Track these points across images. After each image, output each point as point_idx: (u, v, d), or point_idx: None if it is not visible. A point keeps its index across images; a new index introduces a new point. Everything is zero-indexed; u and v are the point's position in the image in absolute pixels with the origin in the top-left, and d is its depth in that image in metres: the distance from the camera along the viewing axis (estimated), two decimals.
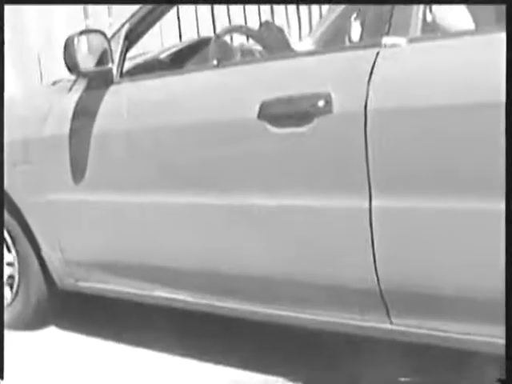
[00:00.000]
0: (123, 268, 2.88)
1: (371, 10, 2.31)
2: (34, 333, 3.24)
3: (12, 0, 2.65)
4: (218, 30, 3.08)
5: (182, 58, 3.08)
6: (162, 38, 5.42)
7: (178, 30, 5.76)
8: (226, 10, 6.01)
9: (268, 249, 2.43)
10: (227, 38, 3.10)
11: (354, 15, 2.79)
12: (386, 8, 2.18)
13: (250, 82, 2.46)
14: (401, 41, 2.11)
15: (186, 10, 5.68)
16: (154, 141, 2.66)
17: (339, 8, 3.52)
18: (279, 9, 6.45)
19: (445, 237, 2.03)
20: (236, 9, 6.04)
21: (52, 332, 3.28)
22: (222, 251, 2.56)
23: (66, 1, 2.50)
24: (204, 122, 2.50)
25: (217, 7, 5.92)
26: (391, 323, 2.22)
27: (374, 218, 2.13)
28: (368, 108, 2.10)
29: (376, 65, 2.12)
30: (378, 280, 2.17)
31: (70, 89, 2.94)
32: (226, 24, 5.55)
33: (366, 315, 2.28)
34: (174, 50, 3.19)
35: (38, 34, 5.55)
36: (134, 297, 2.92)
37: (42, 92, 3.42)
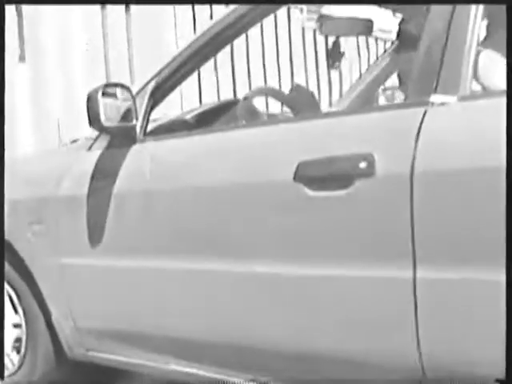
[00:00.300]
0: (137, 338, 2.69)
1: (414, 67, 2.17)
2: None
3: (12, 0, 2.53)
4: (247, 92, 2.96)
5: (208, 120, 2.94)
6: (182, 102, 5.34)
7: (198, 93, 5.69)
8: (247, 73, 5.95)
9: (297, 323, 2.25)
10: (255, 101, 2.99)
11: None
12: (433, 65, 2.06)
13: (284, 142, 2.31)
14: (451, 99, 1.98)
15: (206, 72, 5.61)
16: (177, 203, 2.51)
17: (370, 75, 3.43)
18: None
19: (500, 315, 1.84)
20: (256, 71, 5.99)
21: None
22: (248, 325, 2.37)
23: (65, 1, 2.38)
24: (233, 183, 2.35)
25: (238, 69, 5.87)
26: None
27: (418, 290, 1.96)
28: (415, 170, 1.95)
29: (424, 124, 1.98)
30: (420, 359, 1.99)
31: (90, 147, 2.81)
32: (247, 87, 5.48)
33: None
34: (199, 111, 3.07)
35: (57, 98, 5.52)
36: (149, 370, 2.73)
37: (59, 150, 3.28)
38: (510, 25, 1.75)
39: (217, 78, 5.88)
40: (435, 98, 2.00)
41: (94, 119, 2.54)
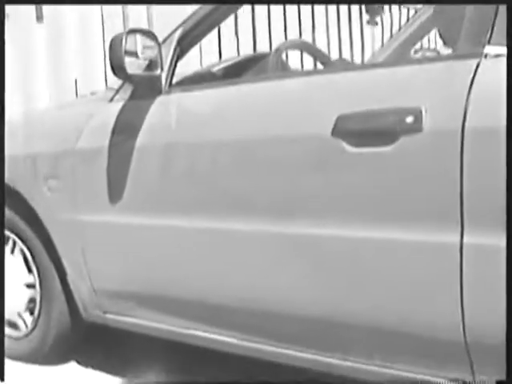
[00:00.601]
0: (155, 301, 2.55)
1: (466, 17, 2.01)
2: (52, 368, 2.91)
3: (12, 0, 2.41)
4: (279, 44, 2.79)
5: (237, 72, 2.77)
6: (201, 58, 5.18)
7: (218, 48, 5.51)
8: (268, 32, 5.77)
9: (332, 288, 2.10)
10: (287, 54, 2.83)
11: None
12: (487, 14, 1.89)
13: (321, 93, 2.15)
14: (505, 50, 1.80)
15: (227, 27, 5.43)
16: (202, 158, 2.34)
17: (405, 33, 3.27)
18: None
19: None
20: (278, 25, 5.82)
21: (72, 368, 2.92)
22: (274, 288, 2.22)
23: (67, 1, 2.25)
24: (264, 138, 2.18)
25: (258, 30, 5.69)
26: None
27: (464, 258, 1.81)
28: (466, 126, 1.79)
29: (476, 77, 1.81)
30: (464, 330, 1.85)
31: (112, 98, 2.64)
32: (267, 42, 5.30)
33: (444, 371, 1.95)
34: (227, 63, 2.90)
35: (75, 58, 5.41)
36: (166, 334, 2.59)
37: (79, 102, 3.11)
38: (510, 25, 1.61)
39: (237, 36, 5.69)
40: (489, 50, 1.84)
41: (117, 67, 2.37)
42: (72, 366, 2.68)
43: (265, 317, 2.27)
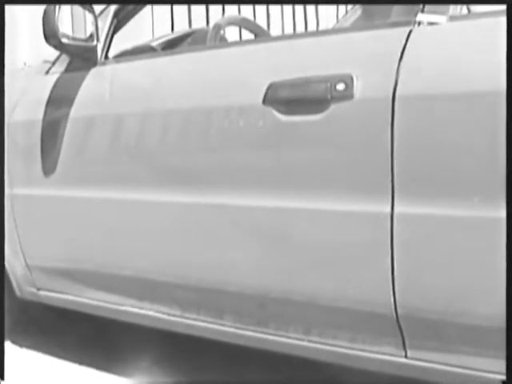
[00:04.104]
0: (89, 277, 2.50)
1: None
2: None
3: (12, 0, 2.37)
4: (218, 20, 2.75)
5: (175, 46, 2.74)
6: (153, 35, 5.12)
7: (171, 26, 5.45)
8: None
9: (264, 261, 2.06)
10: (226, 30, 2.79)
11: None
12: None
13: (254, 62, 2.11)
14: (440, 19, 1.79)
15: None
16: (134, 128, 2.29)
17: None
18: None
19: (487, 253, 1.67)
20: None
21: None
22: (209, 262, 2.17)
23: (66, 1, 2.22)
24: (198, 107, 2.14)
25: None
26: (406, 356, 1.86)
27: (395, 228, 1.78)
28: (397, 94, 1.75)
29: (408, 45, 1.79)
30: (394, 302, 1.82)
31: (48, 71, 2.59)
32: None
33: (376, 345, 1.93)
34: (167, 38, 2.86)
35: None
36: (102, 312, 2.53)
37: (17, 74, 3.04)
38: (510, 25, 1.60)
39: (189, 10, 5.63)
40: (422, 17, 1.82)
41: (50, 34, 2.31)
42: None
43: (198, 292, 2.23)
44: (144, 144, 2.27)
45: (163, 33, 4.47)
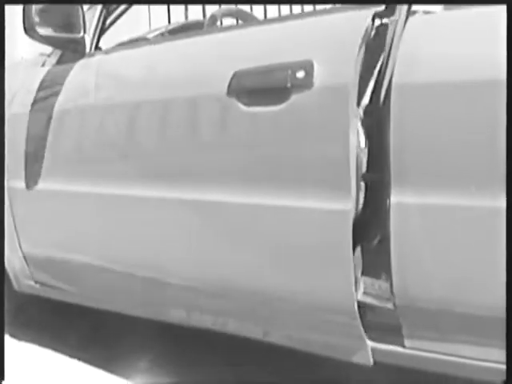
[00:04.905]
0: (86, 270, 2.47)
1: None
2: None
3: (12, 0, 2.37)
4: (214, 11, 2.72)
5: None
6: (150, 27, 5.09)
7: (167, 18, 5.42)
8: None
9: (233, 257, 2.00)
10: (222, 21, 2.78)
11: None
12: None
13: (221, 51, 2.05)
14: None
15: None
16: (113, 121, 2.26)
17: None
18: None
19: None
20: None
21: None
22: (168, 257, 2.15)
23: (67, 1, 2.22)
24: (165, 98, 2.09)
25: None
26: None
27: (392, 217, 1.69)
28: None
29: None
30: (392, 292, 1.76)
31: (43, 63, 2.59)
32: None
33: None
34: (162, 30, 2.83)
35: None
36: (93, 304, 2.54)
37: (15, 68, 3.03)
38: (510, 25, 1.56)
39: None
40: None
41: (28, 27, 2.29)
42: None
43: (160, 284, 2.23)
44: (117, 136, 2.25)
45: (160, 25, 4.46)
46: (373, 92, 1.79)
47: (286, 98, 1.77)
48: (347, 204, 1.70)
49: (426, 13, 1.71)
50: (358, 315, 1.76)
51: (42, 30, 2.31)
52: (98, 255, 2.41)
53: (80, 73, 2.39)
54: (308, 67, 1.74)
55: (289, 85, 1.77)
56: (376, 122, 1.75)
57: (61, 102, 2.38)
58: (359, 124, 1.75)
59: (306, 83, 1.74)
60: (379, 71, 1.77)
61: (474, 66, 1.58)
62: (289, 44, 1.88)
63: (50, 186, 2.47)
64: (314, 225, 1.78)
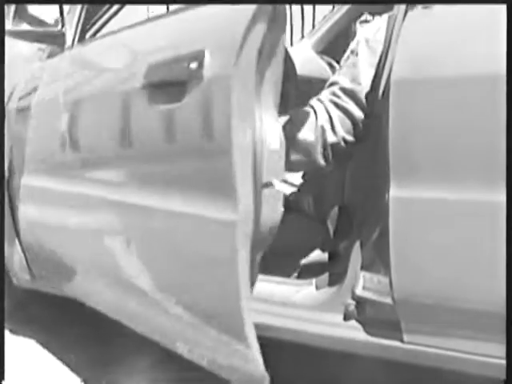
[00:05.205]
0: (82, 265, 2.43)
1: None
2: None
3: (12, 0, 2.35)
4: None
5: None
6: None
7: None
8: None
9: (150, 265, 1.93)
10: None
11: None
12: None
13: (140, 43, 1.97)
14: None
15: None
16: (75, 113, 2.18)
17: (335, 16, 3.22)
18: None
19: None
20: None
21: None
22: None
23: (67, 1, 2.20)
24: (93, 92, 2.05)
25: None
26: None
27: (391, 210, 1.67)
28: None
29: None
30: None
31: (40, 58, 2.57)
32: None
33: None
34: None
35: None
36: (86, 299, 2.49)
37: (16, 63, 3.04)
38: (510, 25, 1.54)
39: None
40: None
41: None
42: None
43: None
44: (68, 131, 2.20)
45: None
46: (371, 87, 1.77)
47: (186, 92, 1.65)
48: (231, 214, 1.57)
49: (425, 7, 1.67)
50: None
51: (13, 26, 2.30)
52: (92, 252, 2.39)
53: (58, 66, 2.37)
54: (200, 57, 1.62)
55: (186, 78, 1.65)
56: (375, 116, 1.73)
57: (38, 96, 2.37)
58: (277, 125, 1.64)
59: (198, 75, 1.62)
60: (377, 66, 1.75)
61: (473, 61, 1.56)
62: (189, 34, 1.77)
63: (37, 181, 2.45)
64: (202, 233, 1.68)
